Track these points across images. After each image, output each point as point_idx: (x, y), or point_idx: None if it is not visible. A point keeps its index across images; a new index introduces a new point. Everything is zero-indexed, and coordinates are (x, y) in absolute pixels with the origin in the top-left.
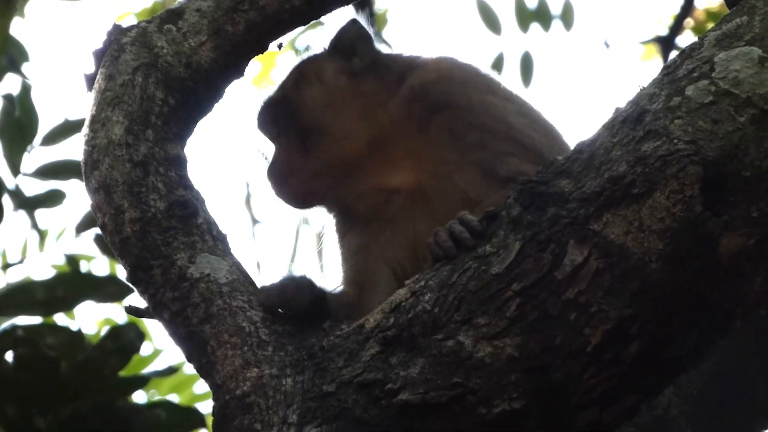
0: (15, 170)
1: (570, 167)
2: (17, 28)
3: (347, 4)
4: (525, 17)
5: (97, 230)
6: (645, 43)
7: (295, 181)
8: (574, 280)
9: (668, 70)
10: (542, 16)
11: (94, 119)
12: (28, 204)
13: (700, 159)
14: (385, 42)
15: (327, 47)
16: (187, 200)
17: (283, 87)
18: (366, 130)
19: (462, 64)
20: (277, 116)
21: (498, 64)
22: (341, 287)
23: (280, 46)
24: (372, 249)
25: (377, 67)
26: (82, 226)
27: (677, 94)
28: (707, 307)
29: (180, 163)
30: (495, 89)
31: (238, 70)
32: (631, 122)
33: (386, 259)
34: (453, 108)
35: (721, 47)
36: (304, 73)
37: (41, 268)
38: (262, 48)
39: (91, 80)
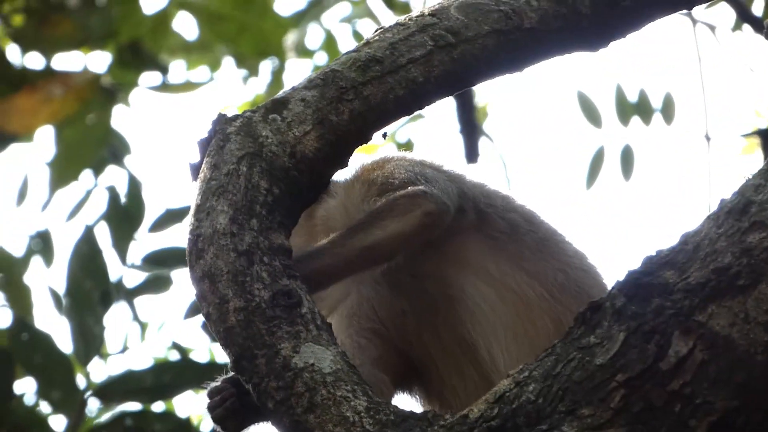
0: (123, 259)
1: (674, 258)
2: (121, 119)
3: (449, 95)
4: (626, 111)
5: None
6: (746, 136)
7: None
8: (679, 371)
9: None
10: (643, 110)
11: (199, 208)
12: (130, 293)
13: None
14: (486, 135)
15: None
16: (291, 290)
17: None
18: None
19: None
20: None
21: (599, 158)
22: None
23: (384, 135)
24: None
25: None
26: (191, 313)
27: None
28: None
29: (284, 252)
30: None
31: (341, 160)
32: (736, 213)
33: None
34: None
35: None
36: None
37: (141, 358)
38: (366, 138)
39: (196, 169)
